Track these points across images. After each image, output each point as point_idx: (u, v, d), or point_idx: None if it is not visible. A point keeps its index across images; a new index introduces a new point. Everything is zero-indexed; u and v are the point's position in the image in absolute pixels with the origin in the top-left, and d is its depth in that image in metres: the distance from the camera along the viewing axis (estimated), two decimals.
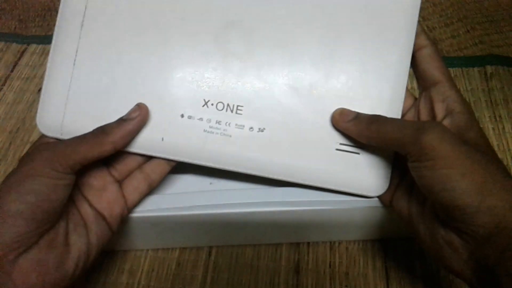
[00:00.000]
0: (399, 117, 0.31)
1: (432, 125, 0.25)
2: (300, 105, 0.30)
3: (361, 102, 0.30)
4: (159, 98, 0.30)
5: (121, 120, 0.29)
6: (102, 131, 0.28)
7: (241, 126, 0.30)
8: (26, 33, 0.56)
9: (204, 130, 0.30)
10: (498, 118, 0.46)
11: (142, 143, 0.30)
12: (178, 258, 0.38)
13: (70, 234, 0.27)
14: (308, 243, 0.38)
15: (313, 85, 0.30)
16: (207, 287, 0.36)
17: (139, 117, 0.29)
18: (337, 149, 0.30)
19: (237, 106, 0.30)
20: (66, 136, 0.29)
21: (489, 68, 0.50)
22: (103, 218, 0.29)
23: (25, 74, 0.51)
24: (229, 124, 0.30)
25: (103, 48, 0.30)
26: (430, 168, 0.24)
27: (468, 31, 0.55)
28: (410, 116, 0.32)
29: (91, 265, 0.28)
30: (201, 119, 0.30)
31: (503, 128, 0.45)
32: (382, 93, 0.30)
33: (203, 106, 0.30)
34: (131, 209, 0.31)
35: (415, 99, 0.32)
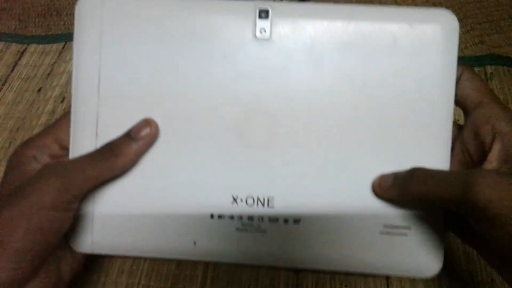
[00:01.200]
0: (448, 158, 0.28)
1: (480, 176, 0.21)
2: (334, 189, 0.28)
3: (403, 155, 0.28)
4: (186, 201, 0.29)
5: (129, 139, 0.26)
6: (111, 151, 0.26)
7: (275, 220, 0.29)
8: (26, 33, 0.56)
9: (237, 229, 0.29)
10: None
11: (174, 249, 0.29)
12: None
13: (62, 263, 0.26)
14: None
15: (345, 164, 0.28)
16: (207, 287, 0.36)
17: (148, 136, 0.26)
18: (382, 232, 0.28)
19: (268, 198, 0.29)
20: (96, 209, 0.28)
21: (489, 68, 0.50)
22: None
23: (25, 74, 0.51)
24: (262, 220, 0.29)
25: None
26: (493, 227, 0.21)
27: (468, 31, 0.55)
28: (457, 150, 0.28)
29: None
30: (231, 217, 0.29)
31: None
32: (426, 138, 0.28)
33: (232, 203, 0.29)
34: None
35: (459, 127, 0.29)
